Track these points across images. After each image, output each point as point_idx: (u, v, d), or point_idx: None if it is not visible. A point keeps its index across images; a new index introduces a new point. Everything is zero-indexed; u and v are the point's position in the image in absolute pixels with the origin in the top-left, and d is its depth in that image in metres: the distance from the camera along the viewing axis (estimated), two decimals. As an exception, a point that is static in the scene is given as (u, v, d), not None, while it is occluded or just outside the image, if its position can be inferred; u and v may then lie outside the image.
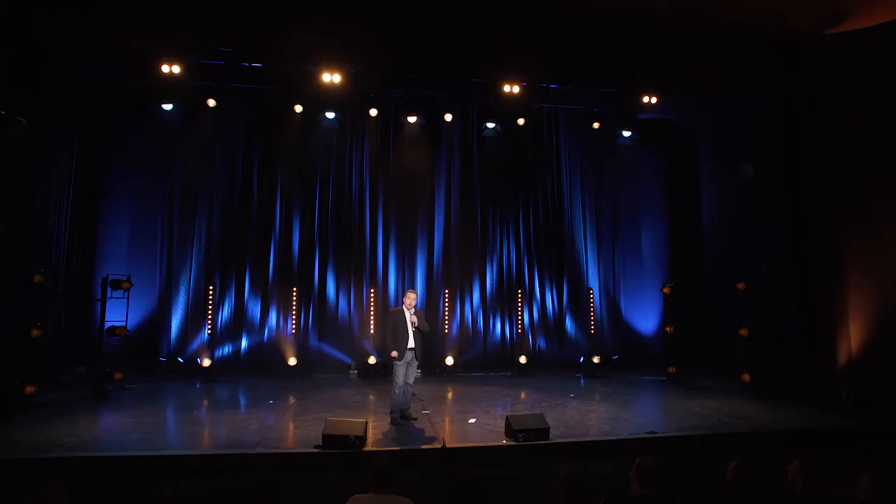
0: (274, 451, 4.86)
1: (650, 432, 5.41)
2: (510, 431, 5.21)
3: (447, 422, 6.08)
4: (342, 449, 4.73)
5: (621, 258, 10.55)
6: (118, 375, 7.47)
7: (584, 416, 6.44)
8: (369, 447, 4.93)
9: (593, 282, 10.35)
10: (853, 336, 6.85)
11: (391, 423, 5.82)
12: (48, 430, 5.58)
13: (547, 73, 7.88)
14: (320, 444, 4.82)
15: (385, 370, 8.65)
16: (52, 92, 7.52)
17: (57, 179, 7.96)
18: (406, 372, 5.83)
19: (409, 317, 5.89)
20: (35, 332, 6.47)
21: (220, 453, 4.78)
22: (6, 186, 6.84)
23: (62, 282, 8.12)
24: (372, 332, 9.41)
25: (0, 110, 5.56)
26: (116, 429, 5.84)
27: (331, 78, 7.49)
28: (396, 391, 5.79)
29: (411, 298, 5.97)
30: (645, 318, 10.26)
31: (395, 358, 5.75)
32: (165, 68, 7.11)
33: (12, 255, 6.80)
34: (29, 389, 6.27)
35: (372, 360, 9.16)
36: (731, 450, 4.94)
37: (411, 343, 5.82)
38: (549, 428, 5.21)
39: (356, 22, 6.79)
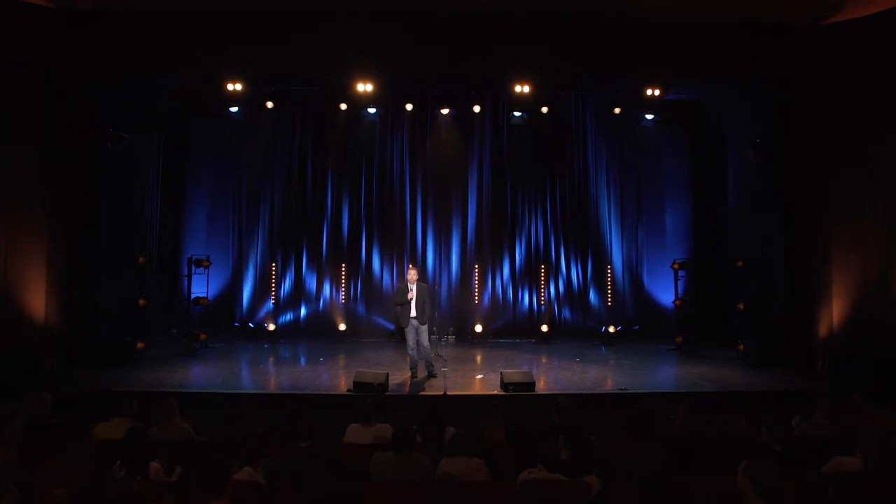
0: (319, 392, 6.61)
1: (621, 389, 6.72)
2: (503, 385, 6.69)
3: (459, 377, 7.63)
4: (368, 392, 6.39)
5: (644, 235, 11.55)
6: (202, 336, 9.50)
7: (578, 376, 7.81)
8: (389, 392, 6.57)
9: (617, 258, 11.45)
10: (835, 311, 7.73)
11: (411, 376, 7.46)
12: (155, 374, 7.64)
13: (558, 72, 8.94)
14: (352, 388, 6.52)
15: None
16: (142, 104, 9.45)
17: (148, 176, 9.97)
18: (416, 336, 7.37)
19: (411, 289, 7.36)
20: (141, 302, 8.57)
21: (280, 393, 6.58)
22: (112, 186, 8.82)
23: (156, 261, 10.24)
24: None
25: (124, 134, 7.48)
26: (203, 375, 7.84)
27: (364, 87, 8.92)
28: (410, 352, 7.45)
29: (412, 274, 7.49)
30: (665, 292, 11.24)
31: (403, 326, 7.33)
32: (230, 86, 8.82)
33: (120, 241, 8.86)
34: (139, 345, 8.39)
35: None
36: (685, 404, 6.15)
37: (413, 313, 7.32)
38: (534, 382, 6.64)
39: (390, 39, 8.21)
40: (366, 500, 3.38)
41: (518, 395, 6.47)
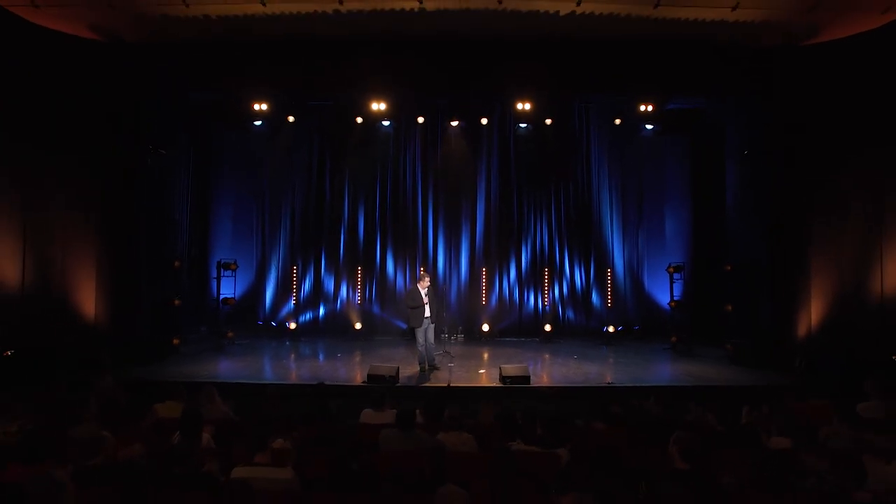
0: (337, 383, 7.55)
1: (609, 383, 7.55)
2: (501, 378, 7.57)
3: (463, 371, 8.53)
4: (380, 384, 7.32)
5: (645, 240, 12.32)
6: (230, 334, 10.51)
7: (573, 372, 8.65)
8: (399, 384, 7.49)
9: (618, 261, 12.24)
10: (813, 313, 8.46)
11: (420, 370, 8.38)
12: (190, 367, 8.67)
13: (556, 91, 9.78)
14: (367, 380, 7.46)
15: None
16: (175, 120, 10.46)
17: (178, 185, 10.98)
18: (426, 334, 8.29)
19: (424, 293, 8.30)
20: (177, 302, 9.61)
21: (301, 383, 7.53)
22: (149, 196, 9.84)
23: (186, 264, 11.29)
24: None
25: (161, 150, 8.52)
26: (232, 368, 8.86)
27: (378, 106, 9.86)
28: (420, 348, 8.38)
29: (426, 280, 8.41)
30: (665, 294, 11.99)
31: (415, 326, 8.27)
32: (256, 106, 9.83)
33: (156, 246, 9.89)
34: (175, 341, 9.44)
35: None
36: (665, 397, 6.96)
37: (427, 313, 8.26)
38: (529, 376, 7.51)
39: (402, 62, 9.15)
40: (377, 465, 4.28)
41: (514, 387, 7.34)
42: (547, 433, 4.58)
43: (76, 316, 8.36)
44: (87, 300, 8.50)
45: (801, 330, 8.58)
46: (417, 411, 4.97)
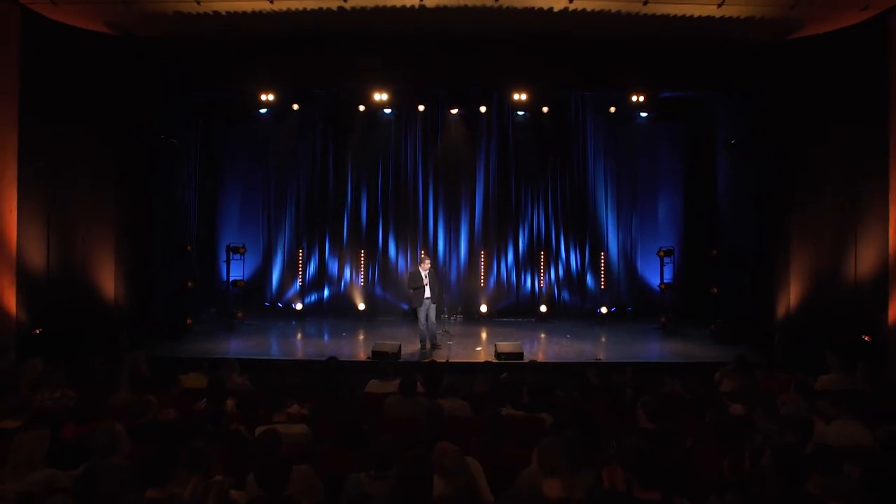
0: (343, 359, 8.19)
1: (597, 359, 8.20)
2: (496, 354, 8.23)
3: (461, 349, 9.19)
4: (384, 359, 7.98)
5: (638, 225, 12.89)
6: (240, 314, 11.17)
7: (565, 349, 9.33)
8: (401, 360, 8.16)
9: (612, 245, 12.84)
10: (792, 296, 9.07)
11: (420, 348, 9.04)
12: (204, 345, 9.35)
13: (552, 83, 10.32)
14: (371, 356, 8.12)
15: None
16: (183, 108, 11.00)
17: (187, 171, 11.55)
18: (427, 313, 8.94)
19: (425, 275, 8.92)
20: (190, 285, 10.25)
21: (312, 359, 8.20)
22: (160, 183, 10.42)
23: (196, 247, 11.90)
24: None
25: (172, 139, 9.10)
26: (244, 345, 9.55)
27: (381, 97, 10.41)
28: (421, 327, 9.06)
29: (426, 262, 9.03)
30: (656, 277, 12.61)
31: (416, 306, 8.93)
32: (263, 96, 10.39)
33: (169, 231, 10.50)
34: (189, 322, 10.09)
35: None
36: (644, 371, 7.61)
37: (428, 293, 8.90)
38: (523, 353, 8.16)
39: (404, 55, 9.69)
40: (382, 426, 4.94)
41: (508, 362, 7.99)
42: (533, 400, 5.23)
43: (97, 298, 9.00)
44: (107, 283, 9.14)
45: (781, 311, 9.20)
46: (418, 381, 5.62)
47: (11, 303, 7.97)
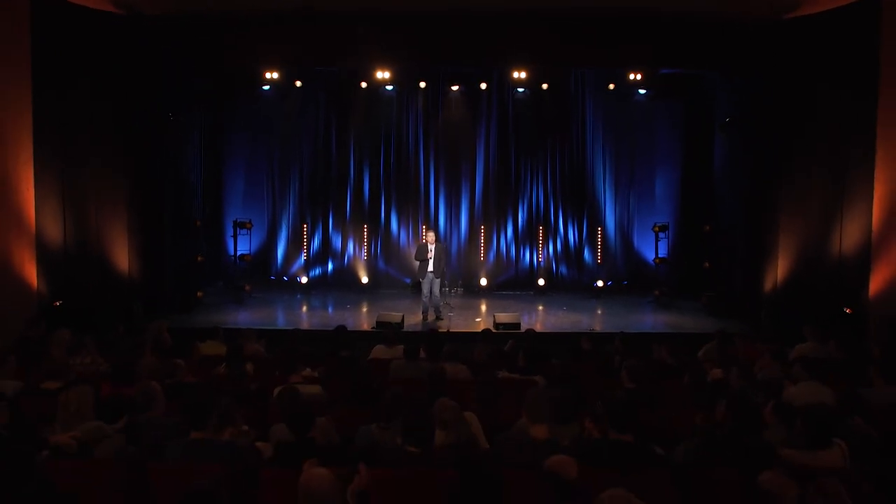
0: (349, 329, 8.72)
1: (590, 329, 8.71)
2: (494, 325, 8.74)
3: (462, 320, 9.71)
4: (387, 329, 8.49)
5: (635, 201, 13.29)
6: (248, 288, 11.66)
7: (561, 320, 9.85)
8: (404, 329, 8.68)
9: (609, 220, 13.27)
10: (780, 270, 9.54)
11: (423, 319, 9.57)
12: (215, 317, 9.86)
13: (552, 60, 10.64)
14: (375, 325, 8.63)
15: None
16: (187, 85, 11.31)
17: (192, 148, 11.91)
18: (430, 287, 9.44)
19: (430, 249, 9.39)
20: (199, 258, 10.73)
21: (314, 329, 8.71)
22: (168, 159, 10.80)
23: (202, 223, 12.35)
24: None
25: (180, 117, 9.48)
26: (253, 316, 10.07)
27: (383, 75, 10.75)
28: (424, 299, 9.58)
29: (430, 236, 9.50)
30: (652, 251, 13.07)
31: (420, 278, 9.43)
32: (267, 74, 10.73)
33: (177, 206, 10.92)
34: (199, 294, 10.61)
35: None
36: (634, 340, 8.10)
37: (430, 267, 9.39)
38: (520, 323, 8.67)
39: (404, 33, 10.00)
40: (386, 387, 5.45)
41: (505, 332, 8.51)
42: (527, 364, 5.74)
43: (111, 271, 9.47)
44: (120, 257, 9.61)
45: (768, 285, 9.69)
46: (420, 348, 6.13)
47: (33, 276, 8.47)
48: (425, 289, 9.56)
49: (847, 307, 8.64)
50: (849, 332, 7.51)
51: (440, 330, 8.69)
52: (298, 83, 12.41)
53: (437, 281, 9.58)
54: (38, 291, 8.52)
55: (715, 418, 4.39)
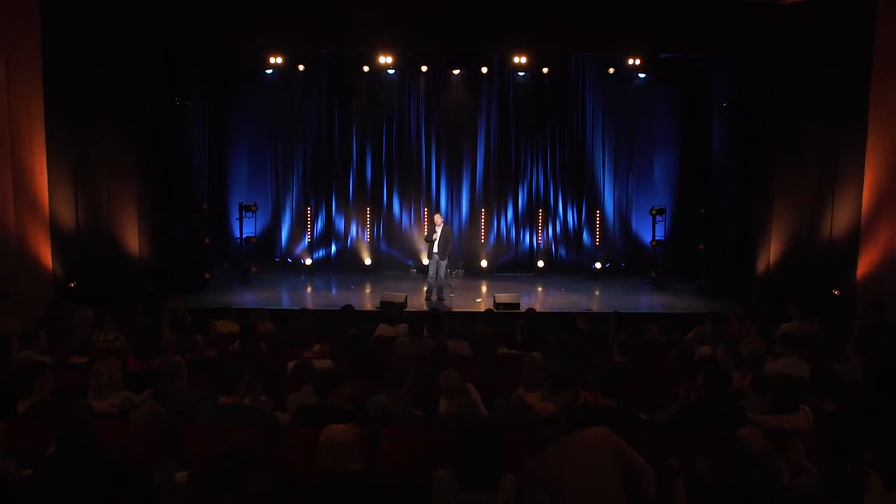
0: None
1: (587, 309, 9.11)
2: (495, 304, 9.14)
3: (463, 301, 10.11)
4: (391, 309, 8.88)
5: (634, 184, 13.63)
6: (254, 269, 12.05)
7: (559, 300, 10.24)
8: (407, 309, 9.08)
9: (608, 203, 13.62)
10: (772, 253, 9.91)
11: (425, 298, 9.98)
12: (223, 297, 10.24)
13: (551, 45, 10.90)
14: (379, 306, 9.03)
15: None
16: (191, 69, 11.58)
17: (196, 132, 12.21)
18: (436, 268, 9.83)
19: (435, 233, 9.76)
20: (207, 241, 11.10)
21: (319, 309, 9.11)
22: (172, 142, 11.11)
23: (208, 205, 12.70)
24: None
25: (185, 101, 9.78)
26: (258, 298, 10.46)
27: (385, 59, 11.01)
28: (429, 280, 10.01)
29: (437, 219, 9.88)
30: (650, 234, 13.44)
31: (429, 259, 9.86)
32: (272, 59, 11.00)
33: (184, 190, 11.27)
34: (207, 276, 11.00)
35: (425, 260, 13.26)
36: (628, 319, 8.49)
37: (436, 249, 9.77)
38: (519, 303, 9.06)
39: (406, 16, 10.27)
40: (391, 361, 5.85)
41: (505, 312, 8.92)
42: (525, 340, 6.13)
43: (122, 253, 9.86)
44: (131, 239, 9.98)
45: (761, 267, 10.07)
46: (424, 326, 6.51)
47: (48, 258, 8.83)
48: (431, 270, 9.99)
49: (835, 289, 9.02)
50: (831, 312, 7.89)
51: (442, 310, 9.09)
52: (301, 67, 12.65)
53: (443, 262, 9.99)
54: (54, 273, 8.89)
55: (697, 390, 4.81)
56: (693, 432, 3.68)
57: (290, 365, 5.24)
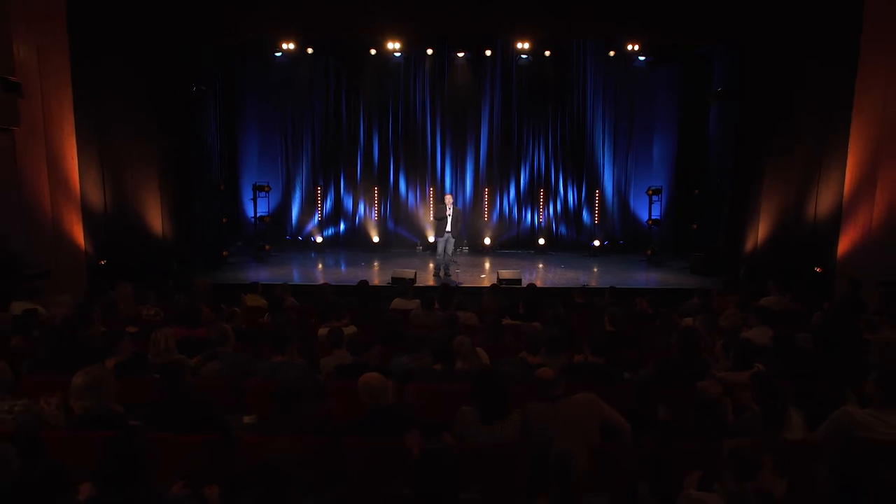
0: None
1: (584, 284, 9.95)
2: (498, 280, 9.98)
3: (468, 276, 10.95)
4: (401, 284, 9.72)
5: (633, 164, 14.39)
6: (267, 247, 12.86)
7: (558, 276, 11.07)
8: (416, 285, 9.92)
9: (608, 183, 14.39)
10: (760, 232, 10.71)
11: (434, 274, 10.83)
12: (242, 273, 11.10)
13: (552, 30, 11.55)
14: (391, 281, 9.88)
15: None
16: (204, 54, 12.25)
17: (208, 113, 12.92)
18: (445, 245, 10.68)
19: (448, 211, 10.58)
20: (224, 220, 11.90)
21: (343, 284, 9.95)
22: (191, 125, 11.85)
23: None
24: (431, 218, 14.29)
25: (202, 86, 10.49)
26: (273, 274, 11.26)
27: (391, 41, 11.70)
28: (438, 257, 10.84)
29: (448, 200, 10.75)
30: (647, 213, 14.22)
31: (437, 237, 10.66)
32: (277, 41, 11.70)
33: (201, 171, 12.04)
34: (224, 253, 11.82)
35: (431, 238, 14.09)
36: (622, 294, 9.33)
37: (448, 227, 10.61)
38: (521, 279, 9.90)
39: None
40: (407, 329, 6.70)
41: (508, 287, 9.75)
42: (527, 312, 6.97)
43: (147, 232, 10.67)
44: (154, 219, 10.79)
45: (749, 245, 10.89)
46: (435, 299, 7.35)
47: (80, 237, 9.64)
48: (440, 247, 10.83)
49: (817, 266, 9.84)
50: (813, 288, 8.72)
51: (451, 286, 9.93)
52: (310, 50, 13.33)
53: (453, 241, 10.84)
54: (86, 251, 9.72)
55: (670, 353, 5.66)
56: (664, 388, 4.53)
57: (323, 332, 6.08)
